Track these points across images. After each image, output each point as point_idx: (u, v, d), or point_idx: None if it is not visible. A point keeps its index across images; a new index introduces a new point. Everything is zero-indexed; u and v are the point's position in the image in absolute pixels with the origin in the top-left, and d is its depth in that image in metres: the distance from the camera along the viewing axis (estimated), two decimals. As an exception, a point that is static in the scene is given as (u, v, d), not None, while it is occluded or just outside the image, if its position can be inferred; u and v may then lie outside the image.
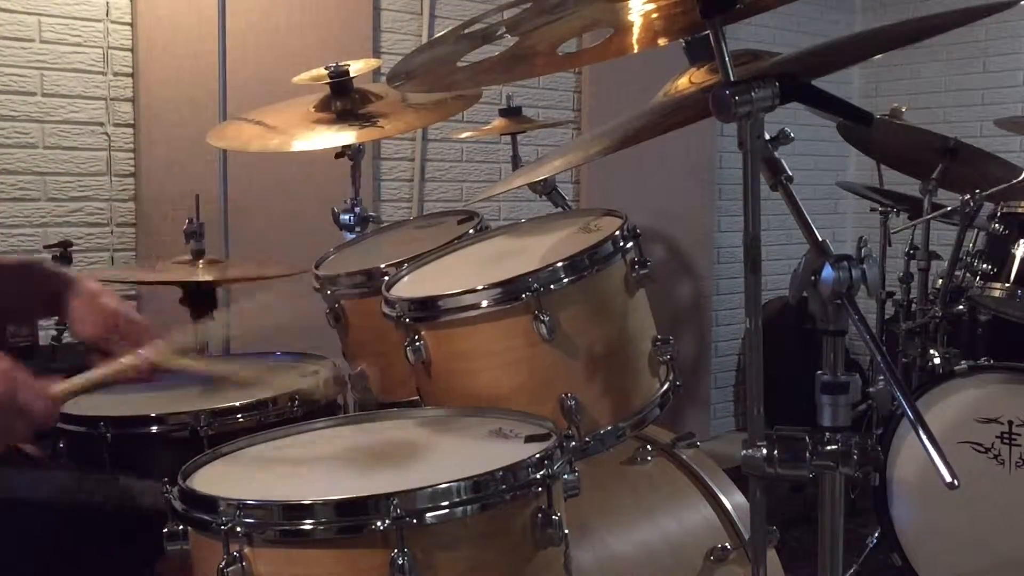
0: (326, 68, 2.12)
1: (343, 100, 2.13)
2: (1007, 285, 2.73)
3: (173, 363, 1.38)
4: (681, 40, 1.50)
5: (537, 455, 1.15)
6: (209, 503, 1.11)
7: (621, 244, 1.47)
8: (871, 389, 3.11)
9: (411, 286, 1.59)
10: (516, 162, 2.84)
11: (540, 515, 1.14)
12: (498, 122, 2.77)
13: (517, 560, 1.15)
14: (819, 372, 1.14)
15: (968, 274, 2.83)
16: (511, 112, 2.74)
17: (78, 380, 1.30)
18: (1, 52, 2.74)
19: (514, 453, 1.18)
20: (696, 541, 1.61)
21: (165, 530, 1.16)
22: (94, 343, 1.40)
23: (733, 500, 1.67)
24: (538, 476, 1.14)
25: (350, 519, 1.07)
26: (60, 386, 1.26)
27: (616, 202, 1.71)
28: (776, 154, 1.19)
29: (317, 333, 1.86)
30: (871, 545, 2.81)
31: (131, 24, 2.93)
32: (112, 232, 2.94)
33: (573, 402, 1.41)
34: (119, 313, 1.42)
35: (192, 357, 1.41)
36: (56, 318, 1.40)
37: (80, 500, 1.35)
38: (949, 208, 2.93)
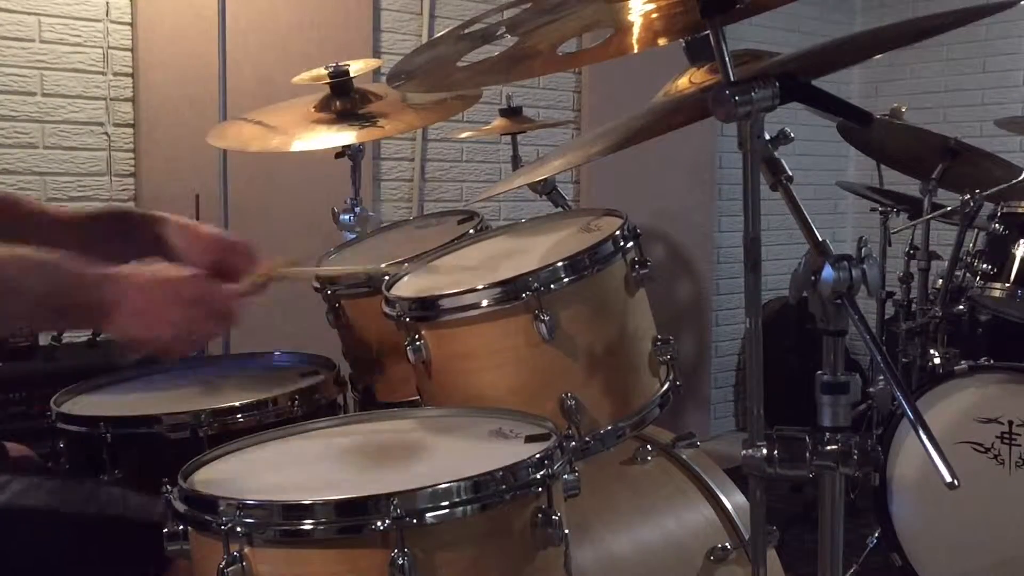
0: (326, 68, 2.12)
1: (343, 100, 2.13)
2: (1007, 285, 2.73)
3: (287, 273, 1.49)
4: (681, 40, 1.50)
5: (537, 455, 1.15)
6: (209, 503, 1.11)
7: (621, 244, 1.47)
8: (871, 389, 3.11)
9: (411, 285, 1.59)
10: (516, 162, 2.84)
11: (540, 515, 1.14)
12: (498, 122, 2.77)
13: (517, 560, 1.15)
14: (819, 372, 1.14)
15: (968, 274, 2.83)
16: (511, 112, 2.74)
17: (252, 278, 1.42)
18: (1, 52, 2.74)
19: (514, 453, 1.18)
20: (696, 541, 1.61)
21: (165, 530, 1.16)
22: (211, 269, 1.46)
23: (733, 500, 1.67)
24: (538, 476, 1.14)
25: (350, 519, 1.07)
26: (242, 285, 1.39)
27: (616, 202, 1.71)
28: (776, 154, 1.19)
29: (317, 333, 1.86)
30: (871, 545, 2.81)
31: (131, 24, 2.93)
32: (112, 232, 2.94)
33: (573, 402, 1.41)
34: (221, 237, 1.50)
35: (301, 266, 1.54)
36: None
37: (76, 510, 1.35)
38: (949, 208, 2.93)
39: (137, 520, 1.33)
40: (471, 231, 1.77)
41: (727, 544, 1.60)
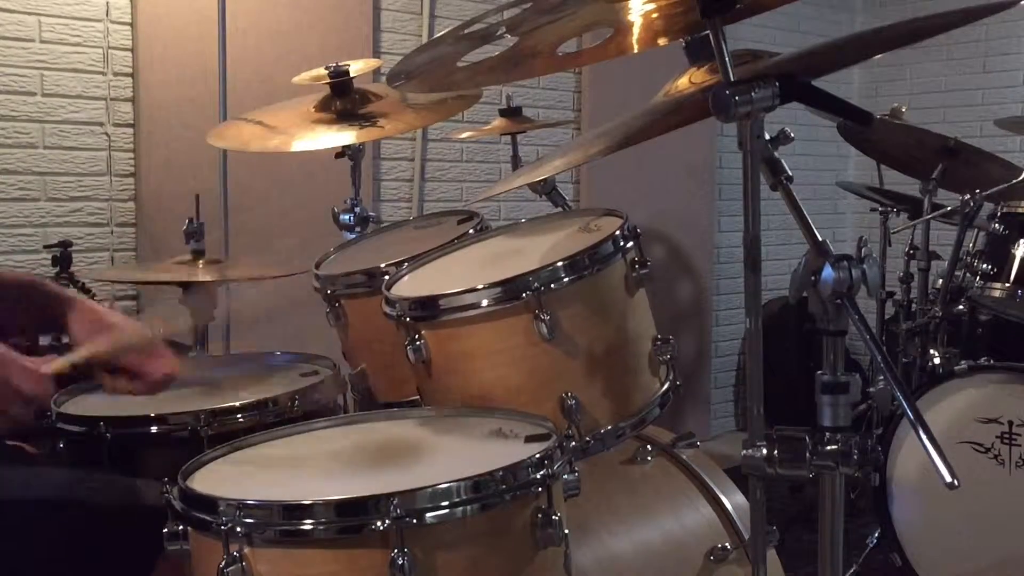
0: (326, 68, 2.12)
1: (343, 100, 2.13)
2: (1007, 285, 2.73)
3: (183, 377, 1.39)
4: (681, 40, 1.50)
5: (537, 455, 1.15)
6: (209, 503, 1.11)
7: (621, 244, 1.47)
8: (871, 389, 3.11)
9: (411, 286, 1.59)
10: (516, 162, 2.84)
11: (540, 515, 1.14)
12: (498, 122, 2.77)
13: (517, 560, 1.15)
14: (819, 372, 1.14)
15: (968, 274, 2.83)
16: (511, 112, 2.74)
17: (70, 357, 1.31)
18: (1, 52, 2.74)
19: (514, 453, 1.18)
20: (696, 541, 1.61)
21: (165, 530, 1.16)
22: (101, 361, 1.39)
23: (733, 500, 1.67)
24: (538, 476, 1.14)
25: (350, 519, 1.07)
26: (53, 364, 1.26)
27: (616, 202, 1.71)
28: (776, 154, 1.19)
29: (317, 333, 1.86)
30: (871, 545, 2.80)
31: (131, 24, 2.93)
32: (112, 232, 2.94)
33: (573, 402, 1.41)
34: (122, 330, 1.40)
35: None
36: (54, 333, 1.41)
37: (79, 498, 1.35)
38: (949, 208, 2.93)
39: (128, 505, 1.33)
40: (471, 231, 1.77)
41: (727, 544, 1.60)
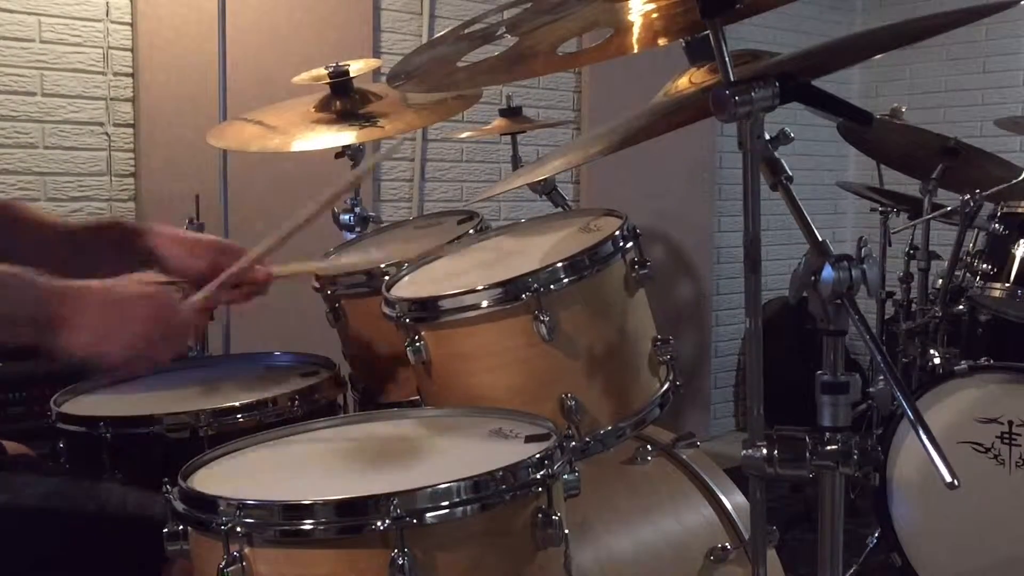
0: (326, 68, 2.12)
1: (343, 100, 2.13)
2: (1007, 285, 2.73)
3: (283, 271, 1.53)
4: (681, 40, 1.50)
5: (537, 455, 1.15)
6: (209, 503, 1.11)
7: (621, 244, 1.47)
8: (871, 389, 3.11)
9: (411, 286, 1.59)
10: (516, 162, 2.83)
11: (540, 515, 1.14)
12: (498, 122, 2.77)
13: (517, 560, 1.15)
14: (819, 372, 1.14)
15: (968, 274, 2.83)
16: (511, 112, 2.74)
17: (206, 290, 1.42)
18: (1, 52, 2.74)
19: (514, 453, 1.18)
20: (696, 541, 1.61)
21: (165, 530, 1.16)
22: (202, 278, 1.48)
23: (733, 500, 1.67)
24: (538, 476, 1.14)
25: (350, 519, 1.07)
26: (196, 297, 1.38)
27: (616, 202, 1.71)
28: (776, 154, 1.19)
29: (317, 333, 1.86)
30: (871, 545, 2.80)
31: (131, 24, 2.93)
32: (112, 232, 2.94)
33: (573, 402, 1.41)
34: (212, 241, 1.52)
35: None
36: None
37: (77, 507, 1.35)
38: (949, 208, 2.92)
39: (136, 517, 1.33)
40: (471, 231, 1.77)
41: (727, 544, 1.60)
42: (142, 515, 1.32)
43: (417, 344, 1.45)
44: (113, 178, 2.94)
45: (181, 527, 1.15)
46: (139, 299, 1.27)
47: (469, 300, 1.40)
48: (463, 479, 1.09)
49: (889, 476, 2.53)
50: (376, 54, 3.40)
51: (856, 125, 3.04)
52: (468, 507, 1.08)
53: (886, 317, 3.63)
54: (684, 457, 1.73)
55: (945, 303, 2.85)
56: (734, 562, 1.60)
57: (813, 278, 1.10)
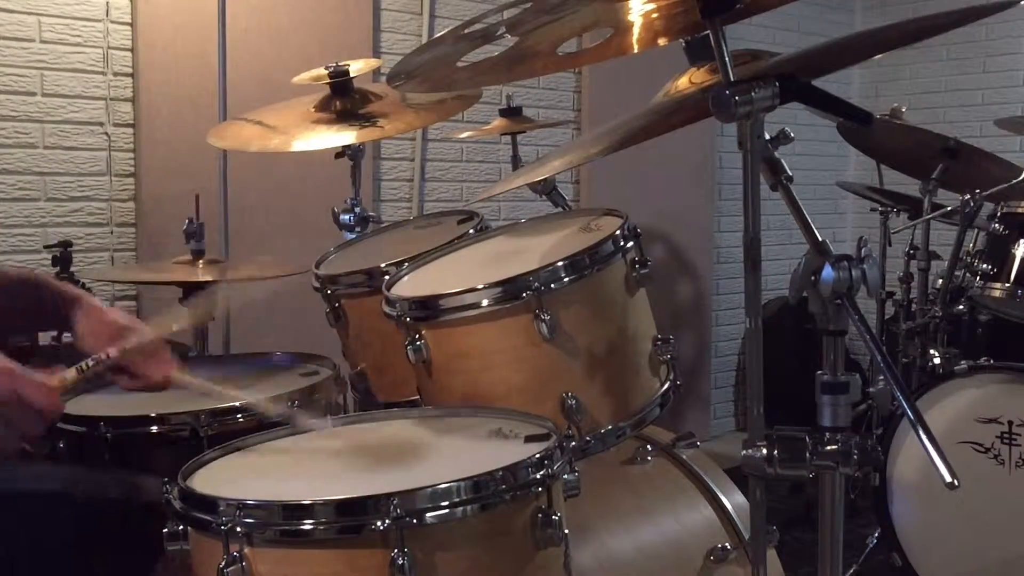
0: (326, 68, 2.12)
1: (343, 100, 2.13)
2: (1007, 285, 2.72)
3: (181, 379, 1.42)
4: (681, 40, 1.50)
5: (537, 455, 1.15)
6: (209, 503, 1.11)
7: (621, 244, 1.47)
8: (871, 389, 3.11)
9: (411, 286, 1.59)
10: (516, 162, 2.84)
11: (540, 515, 1.14)
12: (498, 122, 2.77)
13: (517, 560, 1.15)
14: (819, 372, 1.14)
15: (968, 274, 2.83)
16: (511, 112, 2.74)
17: (79, 368, 1.33)
18: (1, 52, 2.74)
19: (514, 453, 1.18)
20: (696, 541, 1.61)
21: (165, 530, 1.16)
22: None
23: (733, 500, 1.67)
24: (538, 476, 1.14)
25: (350, 519, 1.07)
26: (59, 376, 1.28)
27: (616, 202, 1.71)
28: (776, 154, 1.19)
29: (317, 333, 1.86)
30: (871, 545, 2.81)
31: (131, 24, 2.93)
32: (112, 232, 2.94)
33: (573, 402, 1.41)
34: (128, 328, 1.42)
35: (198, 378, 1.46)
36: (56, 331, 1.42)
37: (82, 493, 1.36)
38: (949, 208, 2.93)
39: (144, 504, 1.33)
40: (471, 231, 1.77)
41: (727, 544, 1.60)
42: (136, 498, 1.31)
43: (417, 343, 1.45)
44: (113, 178, 2.94)
45: (181, 527, 1.15)
46: None
47: (469, 299, 1.40)
48: (463, 479, 1.09)
49: (889, 476, 2.53)
50: (376, 54, 3.40)
51: (856, 125, 3.04)
52: (468, 507, 1.08)
53: (886, 317, 3.63)
54: (684, 457, 1.73)
55: (945, 303, 2.85)
56: (734, 562, 1.60)
57: (813, 278, 1.10)
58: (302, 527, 1.07)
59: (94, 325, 1.43)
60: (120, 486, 1.37)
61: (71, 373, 1.32)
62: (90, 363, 1.34)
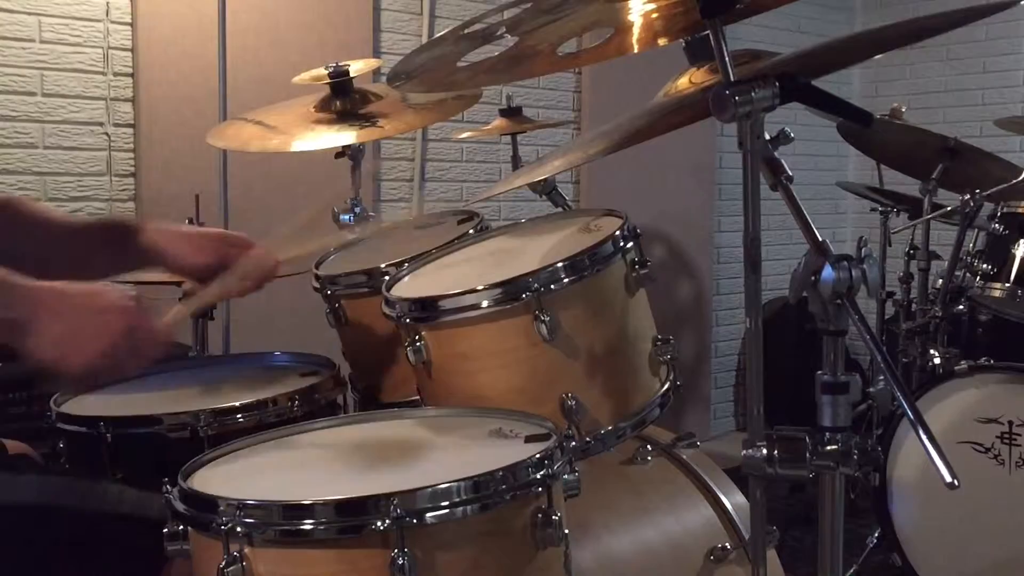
0: (326, 68, 2.12)
1: (343, 100, 2.13)
2: (1007, 285, 2.73)
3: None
4: (681, 40, 1.50)
5: (537, 455, 1.15)
6: (209, 503, 1.11)
7: (621, 244, 1.47)
8: (871, 389, 3.10)
9: (411, 286, 1.59)
10: (516, 162, 2.84)
11: (540, 515, 1.14)
12: (498, 122, 2.77)
13: (517, 560, 1.15)
14: (819, 372, 1.14)
15: (968, 274, 2.83)
16: (511, 112, 2.74)
17: (188, 304, 1.39)
18: (1, 52, 2.74)
19: (514, 453, 1.18)
20: (696, 541, 1.61)
21: (165, 530, 1.16)
22: (209, 272, 1.46)
23: (733, 500, 1.67)
24: (538, 476, 1.14)
25: (350, 519, 1.07)
26: (170, 313, 1.35)
27: (616, 202, 1.71)
28: (776, 154, 1.19)
29: (317, 333, 1.86)
30: (871, 545, 2.80)
31: (131, 24, 2.93)
32: (112, 232, 2.94)
33: (573, 402, 1.41)
34: (220, 235, 1.49)
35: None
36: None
37: (79, 506, 1.35)
38: (949, 208, 2.92)
39: (135, 517, 1.33)
40: (471, 231, 1.77)
41: (727, 544, 1.60)
42: (142, 514, 1.32)
43: (417, 344, 1.45)
44: (113, 178, 2.94)
45: (181, 527, 1.15)
46: (113, 311, 1.23)
47: (469, 300, 1.40)
48: (463, 479, 1.09)
49: (889, 476, 2.53)
50: (376, 54, 3.40)
51: (856, 125, 3.04)
52: (468, 507, 1.08)
53: (886, 317, 3.63)
54: (684, 457, 1.73)
55: (945, 303, 2.85)
56: (734, 562, 1.60)
57: (813, 278, 1.10)
58: (302, 527, 1.07)
59: (181, 242, 1.47)
60: (122, 501, 1.37)
61: (182, 309, 1.38)
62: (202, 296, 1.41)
